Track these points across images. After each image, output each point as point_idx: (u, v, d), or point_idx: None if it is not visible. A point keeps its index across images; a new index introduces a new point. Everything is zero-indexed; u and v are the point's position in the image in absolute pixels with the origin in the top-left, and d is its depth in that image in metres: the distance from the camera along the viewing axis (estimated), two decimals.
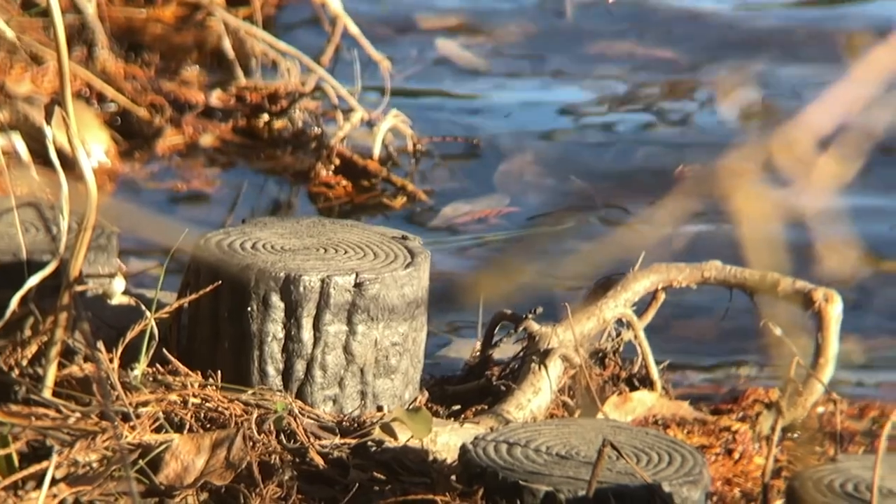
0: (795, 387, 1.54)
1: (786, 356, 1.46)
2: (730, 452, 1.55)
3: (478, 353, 1.61)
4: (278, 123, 2.17)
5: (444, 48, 2.38)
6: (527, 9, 2.50)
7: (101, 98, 2.12)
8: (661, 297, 1.61)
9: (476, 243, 1.98)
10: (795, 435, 1.57)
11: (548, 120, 2.26)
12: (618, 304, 1.59)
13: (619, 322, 1.60)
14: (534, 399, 1.53)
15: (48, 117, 1.40)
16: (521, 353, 1.56)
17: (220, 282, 1.49)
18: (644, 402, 1.58)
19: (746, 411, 1.60)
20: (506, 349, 1.60)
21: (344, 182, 2.09)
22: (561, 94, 2.33)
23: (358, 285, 1.50)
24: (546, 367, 1.53)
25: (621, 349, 1.61)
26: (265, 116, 2.18)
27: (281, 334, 1.50)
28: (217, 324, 1.51)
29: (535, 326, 1.55)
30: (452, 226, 2.01)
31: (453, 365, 1.69)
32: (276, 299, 1.50)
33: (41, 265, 1.45)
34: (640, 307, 1.61)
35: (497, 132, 2.22)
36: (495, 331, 1.60)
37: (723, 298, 1.62)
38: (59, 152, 1.41)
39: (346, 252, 1.54)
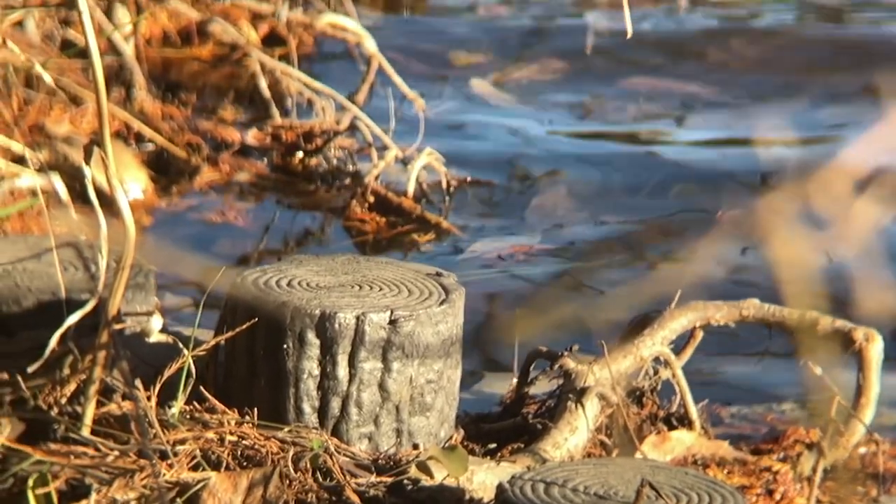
0: (837, 427, 1.52)
1: (826, 396, 1.45)
2: (771, 493, 1.53)
3: (513, 391, 1.60)
4: (313, 161, 2.18)
5: (478, 87, 2.39)
6: (558, 45, 2.51)
7: (139, 138, 2.15)
8: (699, 335, 1.60)
9: (509, 280, 1.98)
10: (837, 475, 1.55)
11: (581, 156, 2.27)
12: (655, 343, 1.58)
13: (657, 360, 1.59)
14: (571, 438, 1.52)
15: (87, 157, 1.41)
16: (558, 391, 1.55)
17: (256, 319, 1.49)
18: (683, 441, 1.56)
19: (787, 451, 1.58)
20: (542, 387, 1.59)
21: (378, 218, 2.10)
22: (594, 130, 2.33)
23: (393, 322, 1.50)
24: (583, 405, 1.52)
25: (659, 388, 1.60)
26: (300, 154, 2.19)
27: (317, 371, 1.50)
28: (253, 361, 1.52)
29: (571, 364, 1.54)
30: (482, 262, 2.01)
31: (487, 400, 1.68)
32: (311, 336, 1.50)
33: (80, 304, 1.45)
34: (678, 345, 1.60)
35: (529, 168, 2.22)
36: (531, 368, 1.59)
37: (762, 336, 1.61)
38: (98, 192, 1.43)
39: (380, 289, 1.55)
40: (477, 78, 2.41)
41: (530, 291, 1.93)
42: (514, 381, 1.61)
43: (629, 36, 1.45)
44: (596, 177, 2.21)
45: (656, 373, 1.59)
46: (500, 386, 1.68)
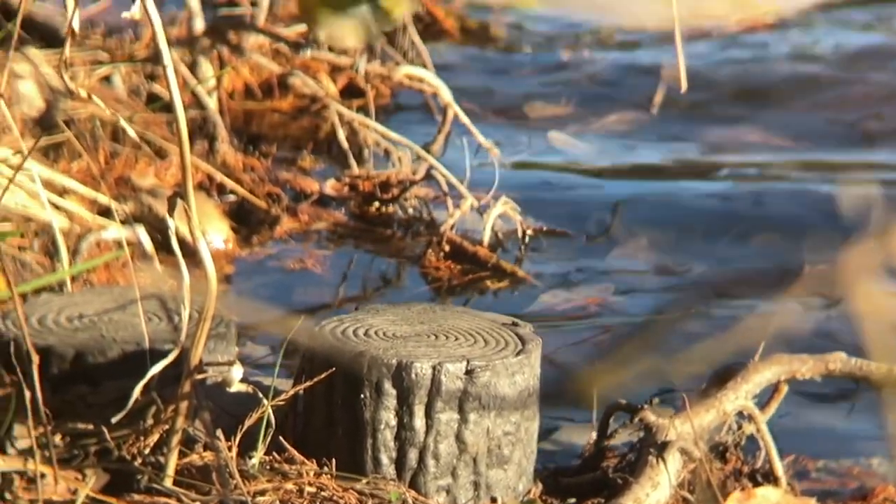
0: None
1: None
2: None
3: (592, 444, 1.58)
4: (390, 210, 2.20)
5: (556, 140, 2.39)
6: (634, 97, 2.50)
7: (221, 189, 2.18)
8: (784, 389, 1.57)
9: (587, 330, 1.96)
10: None
11: (661, 206, 2.25)
12: (738, 396, 1.55)
13: (740, 414, 1.56)
14: (652, 493, 1.50)
15: (171, 209, 1.44)
16: (638, 445, 1.53)
17: (333, 369, 1.50)
18: (768, 498, 1.53)
19: None
20: (621, 439, 1.57)
21: (453, 267, 2.10)
22: (673, 179, 2.31)
23: (469, 372, 1.49)
24: (664, 460, 1.50)
25: (743, 443, 1.57)
26: (377, 203, 2.21)
27: (394, 422, 1.50)
28: (331, 411, 1.52)
29: (651, 417, 1.52)
30: (558, 312, 2.00)
31: (566, 453, 1.66)
32: (388, 386, 1.50)
33: (163, 354, 1.47)
34: (762, 399, 1.57)
35: (607, 217, 2.21)
36: (610, 421, 1.58)
37: (848, 389, 1.57)
38: (181, 243, 1.45)
39: (456, 339, 1.55)
40: (555, 131, 2.41)
41: (609, 342, 1.91)
42: (594, 433, 1.59)
43: (684, 90, 1.45)
44: (676, 227, 2.19)
45: (740, 427, 1.56)
46: (579, 438, 1.66)
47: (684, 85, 1.46)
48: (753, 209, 2.22)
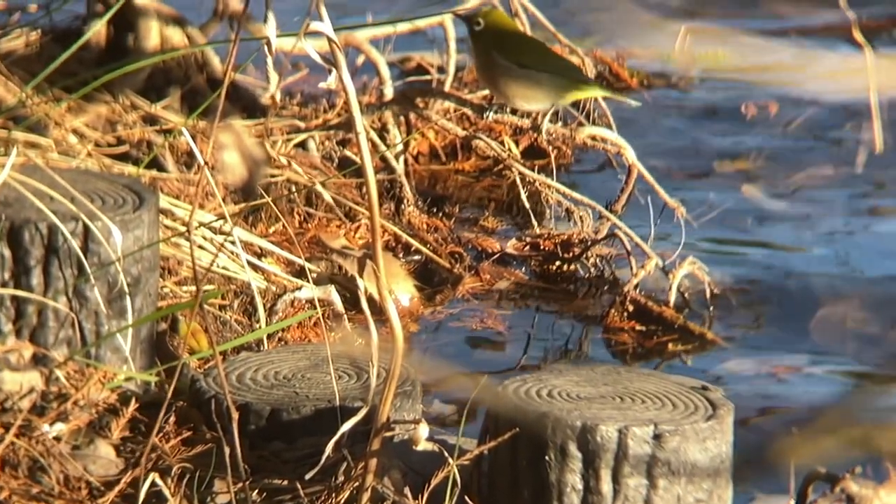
0: None
1: None
2: None
3: None
4: (571, 269, 2.19)
5: (749, 193, 2.34)
6: (825, 150, 2.42)
7: (407, 249, 2.23)
8: None
9: (782, 396, 1.87)
10: None
11: (871, 263, 2.14)
12: None
13: None
14: None
15: (360, 270, 1.47)
16: None
17: (517, 429, 1.49)
18: None
19: None
20: None
21: (637, 327, 2.07)
22: (882, 236, 2.20)
23: (657, 437, 1.46)
24: None
25: None
26: (558, 263, 2.21)
27: (580, 485, 1.48)
28: (516, 472, 1.51)
29: (854, 487, 1.45)
30: (750, 377, 1.92)
31: None
32: (573, 449, 1.48)
33: (353, 411, 1.50)
34: None
35: (810, 278, 2.12)
36: (809, 490, 1.51)
37: None
38: (370, 301, 1.48)
39: (643, 402, 1.52)
40: (748, 184, 2.35)
41: (806, 409, 1.83)
42: (791, 503, 1.53)
43: (878, 150, 1.38)
44: (889, 286, 2.08)
45: None
46: None
47: (879, 145, 1.41)
48: None
